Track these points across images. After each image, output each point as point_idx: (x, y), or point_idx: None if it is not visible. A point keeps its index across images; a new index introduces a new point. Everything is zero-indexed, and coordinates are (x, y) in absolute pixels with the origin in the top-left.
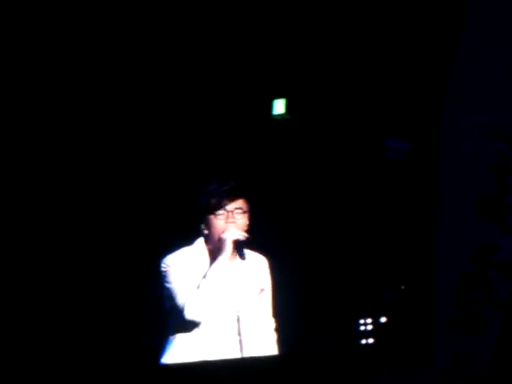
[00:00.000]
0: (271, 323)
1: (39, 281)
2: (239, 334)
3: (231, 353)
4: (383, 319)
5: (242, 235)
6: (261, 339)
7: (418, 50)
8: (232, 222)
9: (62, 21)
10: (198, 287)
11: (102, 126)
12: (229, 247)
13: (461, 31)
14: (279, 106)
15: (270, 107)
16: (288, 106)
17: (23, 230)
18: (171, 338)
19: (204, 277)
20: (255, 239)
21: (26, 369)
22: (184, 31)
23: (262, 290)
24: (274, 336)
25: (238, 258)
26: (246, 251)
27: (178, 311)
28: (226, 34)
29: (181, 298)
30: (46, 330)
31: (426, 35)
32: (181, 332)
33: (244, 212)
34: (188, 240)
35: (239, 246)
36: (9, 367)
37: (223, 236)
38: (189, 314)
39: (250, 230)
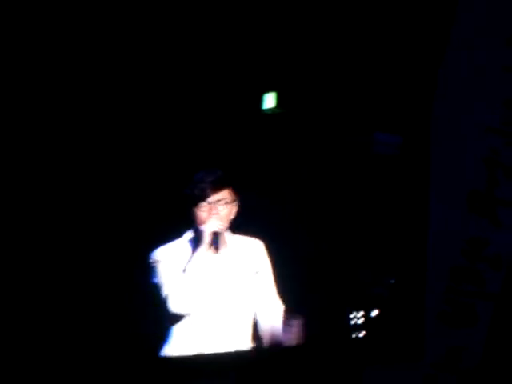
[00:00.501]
0: (276, 302)
1: (30, 275)
2: (233, 324)
3: (227, 344)
4: (374, 313)
5: (220, 227)
6: (259, 324)
7: (408, 44)
8: (215, 213)
9: (62, 21)
10: (179, 280)
11: (90, 118)
12: (206, 239)
13: (451, 25)
14: (269, 100)
15: (260, 101)
16: (278, 100)
17: (14, 225)
18: (167, 330)
19: (186, 269)
20: (249, 225)
21: (24, 362)
22: (174, 25)
23: (257, 273)
24: (277, 313)
25: (217, 248)
26: (239, 238)
27: (164, 304)
28: (216, 28)
29: (165, 292)
30: (43, 323)
31: (417, 29)
32: (173, 324)
33: (227, 203)
34: (178, 233)
35: (216, 238)
36: (9, 365)
37: (202, 228)
38: (172, 307)
39: (236, 218)
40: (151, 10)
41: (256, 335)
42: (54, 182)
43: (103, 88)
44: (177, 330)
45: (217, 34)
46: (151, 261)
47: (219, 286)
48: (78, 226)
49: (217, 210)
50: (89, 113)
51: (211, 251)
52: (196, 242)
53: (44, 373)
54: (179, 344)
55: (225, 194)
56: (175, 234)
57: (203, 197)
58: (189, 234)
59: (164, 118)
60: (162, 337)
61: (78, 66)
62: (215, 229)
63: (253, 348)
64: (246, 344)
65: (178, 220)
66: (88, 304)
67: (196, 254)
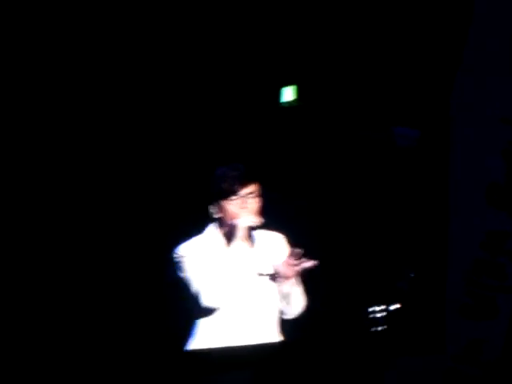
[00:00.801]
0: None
1: (57, 270)
2: (261, 317)
3: (254, 337)
4: (395, 306)
5: (254, 221)
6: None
7: (427, 38)
8: (245, 207)
9: (62, 21)
10: (213, 274)
11: (107, 112)
12: (241, 233)
13: (469, 21)
14: (288, 94)
15: (278, 95)
16: (298, 94)
17: (42, 225)
18: (195, 323)
19: (218, 263)
20: (271, 220)
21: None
22: (193, 18)
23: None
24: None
25: (250, 242)
26: (261, 232)
27: (195, 299)
28: (236, 21)
29: (196, 286)
30: (71, 314)
31: (436, 23)
32: (201, 318)
33: (256, 196)
34: (197, 229)
35: (251, 232)
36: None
37: (235, 222)
38: (205, 301)
39: (262, 212)
40: (169, 5)
41: (282, 329)
42: (78, 184)
43: (123, 83)
44: (203, 323)
45: (236, 28)
46: (177, 256)
47: (252, 279)
48: (95, 225)
49: (246, 204)
50: (107, 109)
51: (246, 245)
52: (228, 236)
53: (69, 362)
54: (206, 338)
55: (253, 188)
56: (194, 230)
57: (233, 191)
58: (212, 229)
59: (184, 114)
60: (188, 330)
61: (96, 66)
62: (249, 223)
63: (278, 341)
64: (272, 337)
65: (196, 216)
66: (113, 299)
67: (230, 247)
